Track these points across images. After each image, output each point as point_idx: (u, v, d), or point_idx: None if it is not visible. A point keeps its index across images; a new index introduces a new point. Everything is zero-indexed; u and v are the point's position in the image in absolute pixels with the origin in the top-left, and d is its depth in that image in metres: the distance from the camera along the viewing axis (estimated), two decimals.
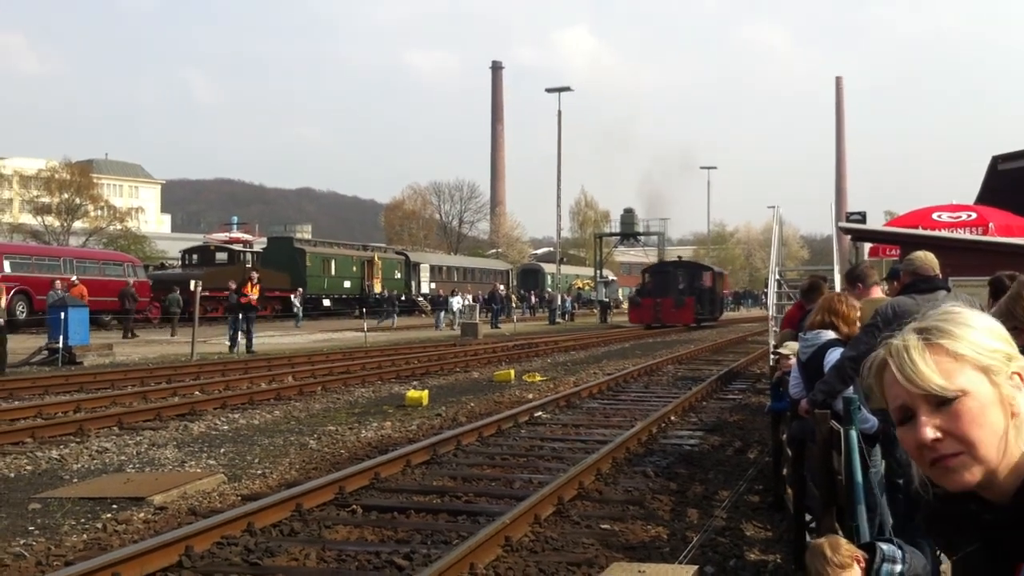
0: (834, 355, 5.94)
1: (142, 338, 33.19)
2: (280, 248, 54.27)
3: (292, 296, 46.60)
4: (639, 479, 9.83)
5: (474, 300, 51.43)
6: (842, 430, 5.05)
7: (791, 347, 7.57)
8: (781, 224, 23.32)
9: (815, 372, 5.98)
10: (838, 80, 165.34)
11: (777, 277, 20.60)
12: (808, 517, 6.90)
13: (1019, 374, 1.50)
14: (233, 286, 28.13)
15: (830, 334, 6.01)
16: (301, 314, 45.38)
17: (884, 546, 2.13)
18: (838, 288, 13.17)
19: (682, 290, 48.97)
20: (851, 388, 5.77)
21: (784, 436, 8.35)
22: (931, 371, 1.48)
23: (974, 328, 1.52)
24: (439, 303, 47.11)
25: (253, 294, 27.48)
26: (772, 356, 10.26)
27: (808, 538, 6.83)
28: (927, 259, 5.95)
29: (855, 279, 7.08)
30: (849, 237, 23.66)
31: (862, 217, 22.50)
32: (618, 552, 6.97)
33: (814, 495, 6.17)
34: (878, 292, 6.96)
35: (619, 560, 6.59)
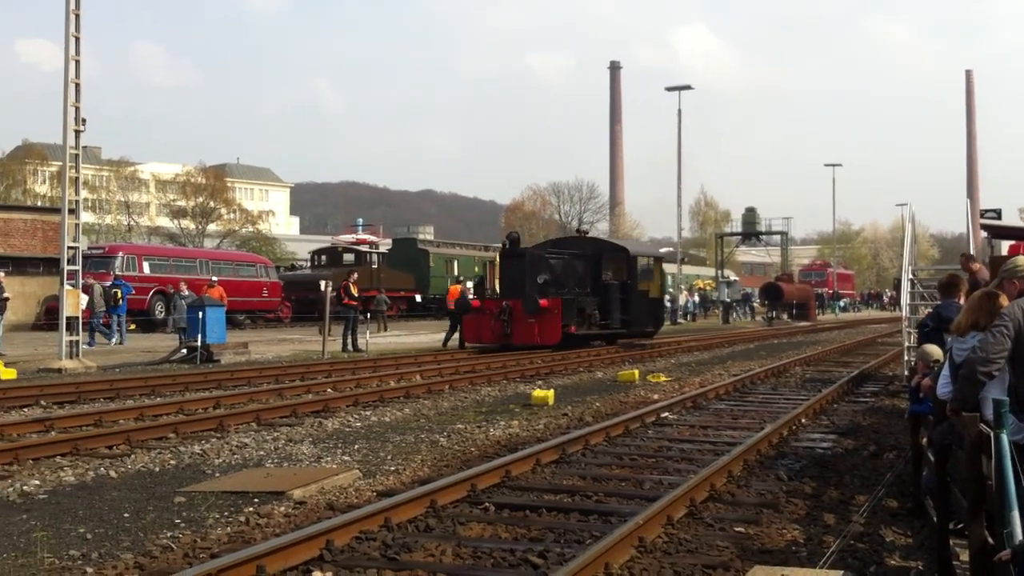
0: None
1: (274, 337, 34.15)
2: (404, 249, 55.16)
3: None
4: (772, 482, 9.67)
5: None
6: (992, 434, 4.89)
7: (934, 351, 7.36)
8: (913, 222, 22.62)
9: None
10: (968, 73, 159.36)
11: (911, 276, 20.03)
12: (952, 524, 6.69)
13: None
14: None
15: None
16: None
17: None
18: None
19: (544, 285, 27.20)
20: (998, 390, 5.56)
21: (924, 440, 8.12)
22: None
23: None
24: None
25: (354, 294, 28.36)
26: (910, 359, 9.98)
27: (952, 545, 6.63)
28: None
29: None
30: (984, 234, 22.81)
31: (997, 214, 21.65)
32: (754, 556, 6.88)
33: (960, 501, 5.97)
34: None
35: (755, 564, 6.52)
